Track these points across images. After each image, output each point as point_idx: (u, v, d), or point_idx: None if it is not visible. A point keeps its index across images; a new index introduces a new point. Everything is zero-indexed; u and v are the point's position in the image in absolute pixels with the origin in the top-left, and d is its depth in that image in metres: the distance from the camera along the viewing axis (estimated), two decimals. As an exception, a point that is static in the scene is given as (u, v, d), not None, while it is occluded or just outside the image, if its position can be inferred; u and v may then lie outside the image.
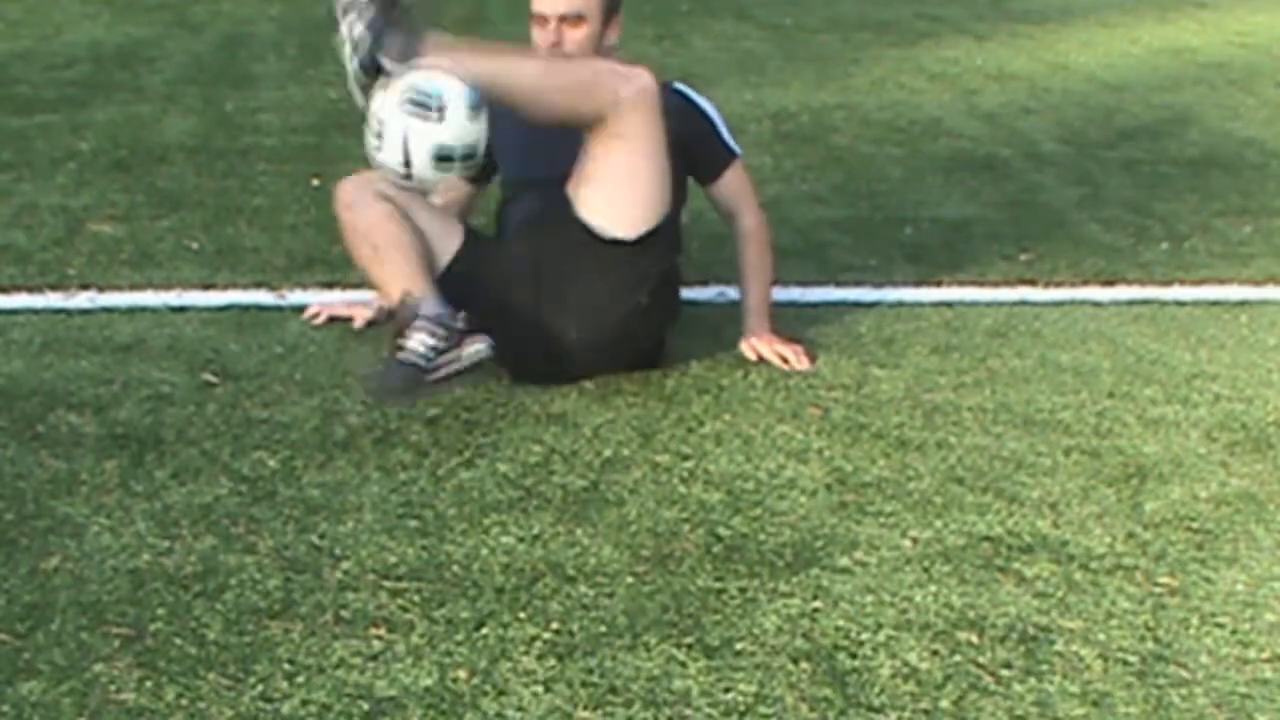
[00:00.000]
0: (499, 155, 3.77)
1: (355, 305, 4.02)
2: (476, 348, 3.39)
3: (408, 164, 3.45)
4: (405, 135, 3.41)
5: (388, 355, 3.39)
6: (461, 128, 3.43)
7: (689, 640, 2.63)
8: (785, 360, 3.79)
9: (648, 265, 3.62)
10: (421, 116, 3.40)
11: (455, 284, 3.54)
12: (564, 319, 3.57)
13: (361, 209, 3.57)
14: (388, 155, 3.46)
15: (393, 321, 3.47)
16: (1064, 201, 5.39)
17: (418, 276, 3.48)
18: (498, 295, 3.58)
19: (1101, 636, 2.69)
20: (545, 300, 3.58)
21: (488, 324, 3.43)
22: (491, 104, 3.47)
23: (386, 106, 3.44)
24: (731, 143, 3.91)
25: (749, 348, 3.84)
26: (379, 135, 3.46)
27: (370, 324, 3.95)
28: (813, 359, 3.81)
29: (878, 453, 3.37)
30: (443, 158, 3.44)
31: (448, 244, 3.63)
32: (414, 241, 3.54)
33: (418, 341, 3.33)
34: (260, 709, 2.41)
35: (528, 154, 3.77)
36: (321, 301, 4.08)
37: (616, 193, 3.56)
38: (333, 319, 3.99)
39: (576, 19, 3.69)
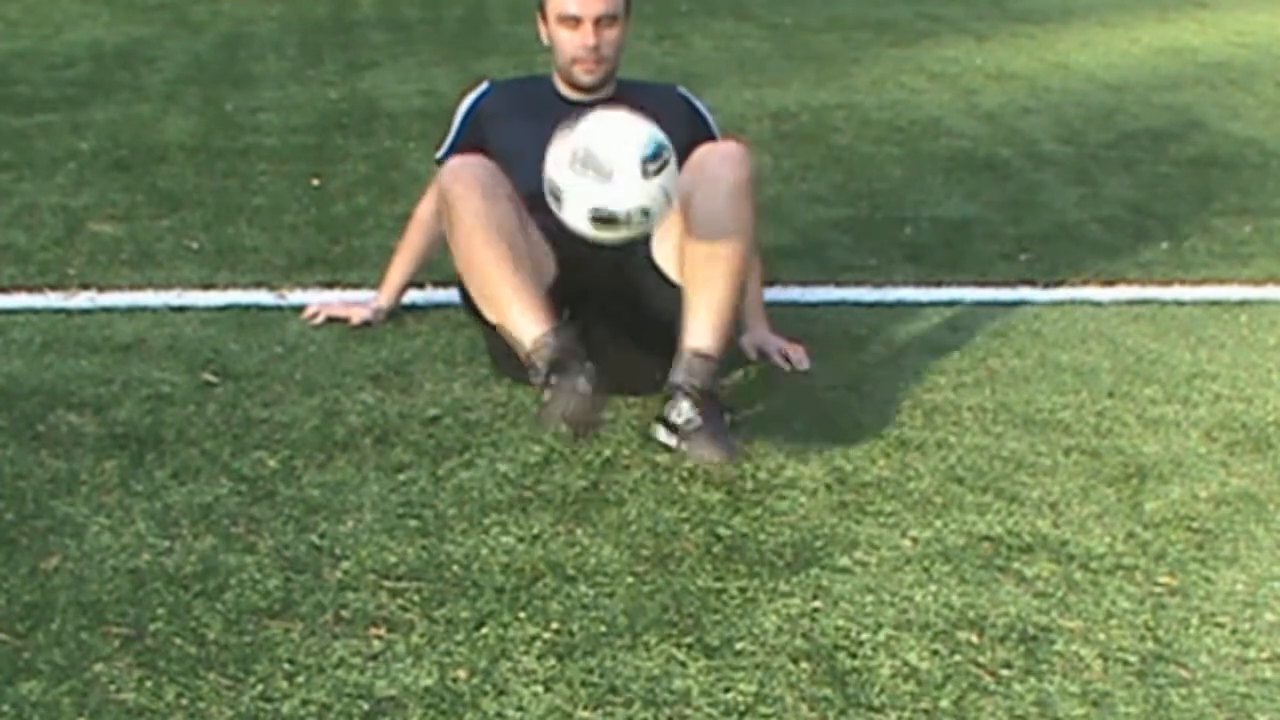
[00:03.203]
0: (516, 165, 3.61)
1: (353, 305, 4.02)
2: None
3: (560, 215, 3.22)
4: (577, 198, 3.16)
5: (551, 386, 3.16)
6: (630, 189, 3.13)
7: (689, 640, 2.63)
8: (785, 359, 3.79)
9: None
10: (584, 175, 3.14)
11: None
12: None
13: (495, 199, 3.34)
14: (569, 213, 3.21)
15: (533, 356, 3.23)
16: (1064, 201, 5.39)
17: (550, 311, 3.26)
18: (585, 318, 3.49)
19: (1101, 636, 2.69)
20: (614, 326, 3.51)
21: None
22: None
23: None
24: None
25: (749, 346, 3.84)
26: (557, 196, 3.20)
27: (366, 324, 3.95)
28: (813, 358, 3.81)
29: (878, 453, 3.37)
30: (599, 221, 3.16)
31: (548, 263, 3.48)
32: (533, 262, 3.35)
33: (582, 375, 3.15)
34: (260, 709, 2.41)
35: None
36: (321, 301, 4.08)
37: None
38: (331, 319, 3.98)
39: (612, 20, 3.66)
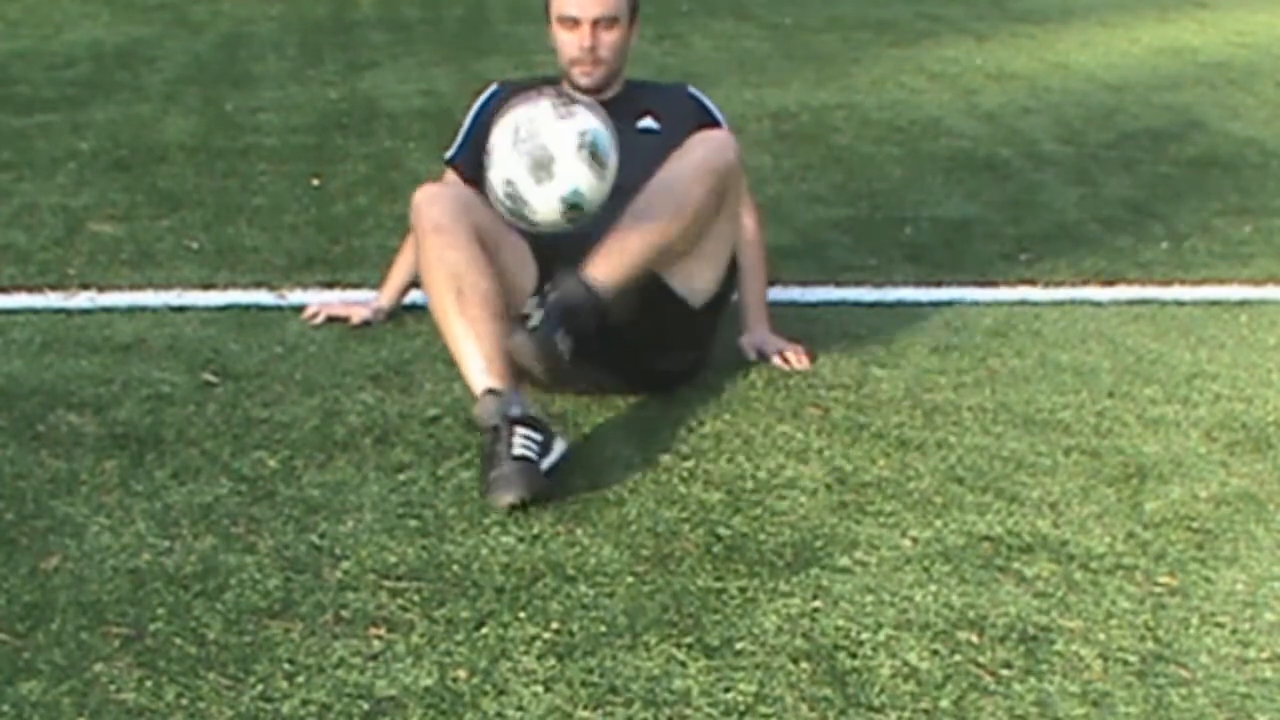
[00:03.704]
0: None
1: (353, 305, 4.02)
2: (560, 447, 3.20)
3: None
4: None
5: (496, 455, 3.09)
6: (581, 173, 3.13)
7: (689, 640, 2.63)
8: (785, 359, 3.79)
9: (703, 333, 3.61)
10: (593, 170, 3.13)
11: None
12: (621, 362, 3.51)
13: (454, 239, 3.34)
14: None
15: (479, 413, 3.20)
16: (1064, 201, 5.39)
17: (499, 362, 3.23)
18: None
19: (1101, 636, 2.69)
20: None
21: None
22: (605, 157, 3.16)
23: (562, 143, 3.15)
24: None
25: (749, 346, 3.84)
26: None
27: (366, 323, 3.95)
28: (813, 358, 3.81)
29: (878, 453, 3.37)
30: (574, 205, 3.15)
31: (526, 277, 3.49)
32: (498, 298, 3.32)
33: (523, 440, 3.11)
34: (260, 709, 2.41)
35: None
36: (321, 301, 4.08)
37: (692, 263, 3.46)
38: (331, 319, 3.98)
39: (611, 22, 3.64)
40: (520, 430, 3.10)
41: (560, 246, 3.42)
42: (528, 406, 3.17)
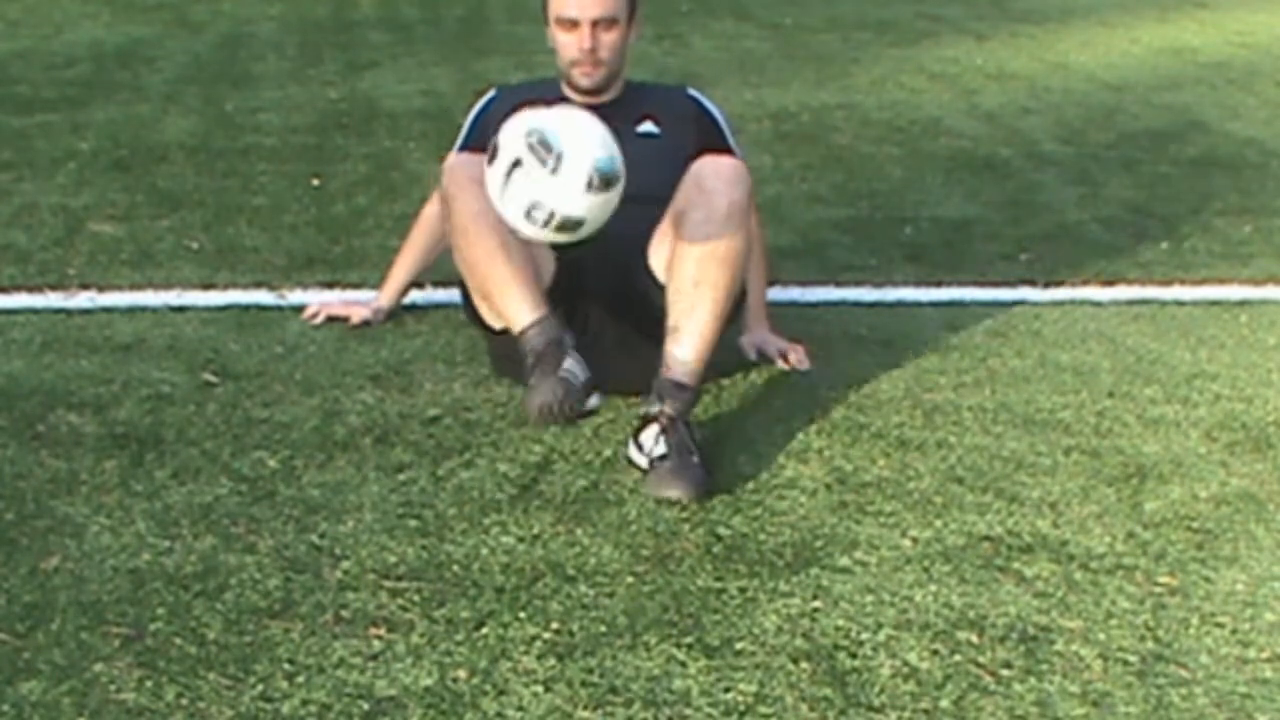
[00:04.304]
0: None
1: (352, 304, 4.02)
2: (596, 398, 3.26)
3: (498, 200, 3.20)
4: (511, 170, 3.13)
5: (542, 368, 3.17)
6: (571, 194, 3.10)
7: (689, 640, 2.63)
8: (786, 359, 3.79)
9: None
10: (539, 160, 3.11)
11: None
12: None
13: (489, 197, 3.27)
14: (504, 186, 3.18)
15: (533, 335, 3.24)
16: (1064, 201, 5.39)
17: (543, 301, 3.27)
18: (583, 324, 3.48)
19: (1101, 636, 2.69)
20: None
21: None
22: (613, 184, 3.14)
23: (509, 134, 3.16)
24: (736, 147, 3.89)
25: (749, 346, 3.84)
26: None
27: (366, 323, 3.95)
28: (813, 359, 3.81)
29: (878, 453, 3.37)
30: (531, 215, 3.14)
31: (545, 265, 3.45)
32: (530, 258, 3.32)
33: (570, 366, 3.18)
34: (260, 709, 2.41)
35: None
36: (321, 301, 4.08)
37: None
38: (331, 319, 3.99)
39: (610, 22, 3.62)
40: (568, 357, 3.18)
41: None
42: (573, 338, 3.24)
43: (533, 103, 3.81)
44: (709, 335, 3.29)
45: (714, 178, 3.33)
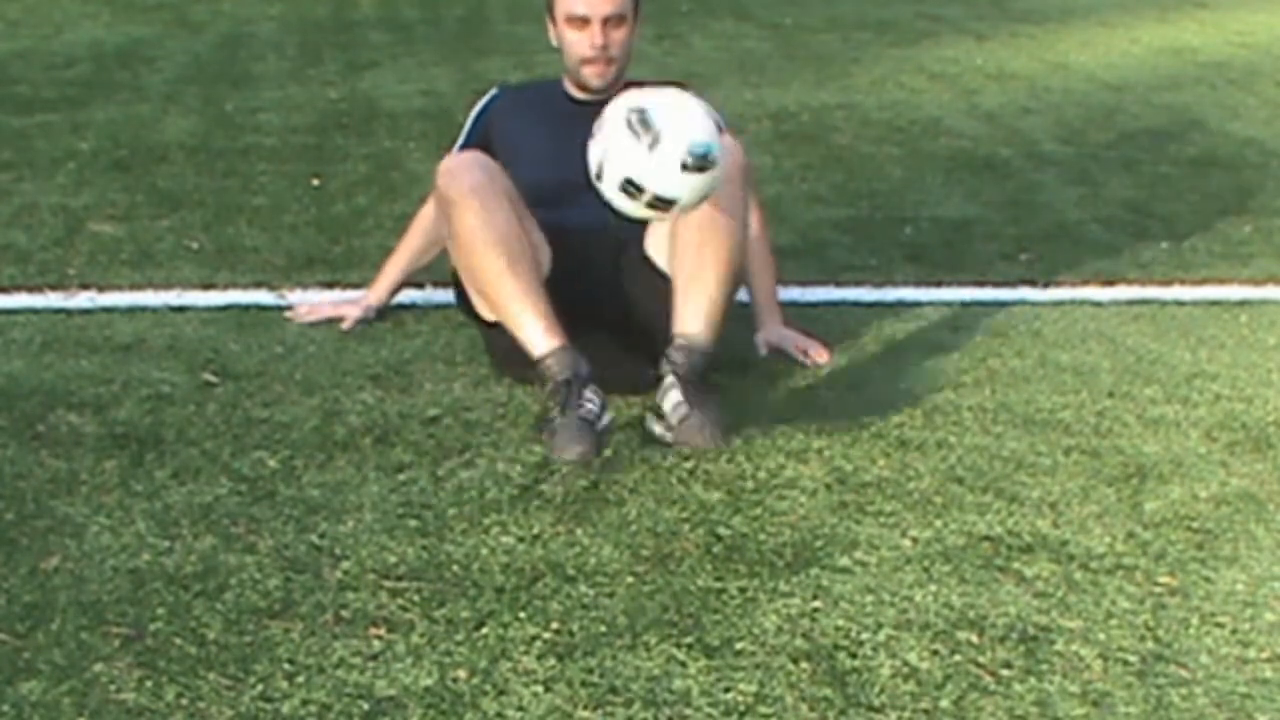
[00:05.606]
0: (519, 160, 3.61)
1: (343, 305, 4.02)
2: (609, 415, 3.28)
3: (598, 176, 3.24)
4: (608, 147, 3.20)
5: (566, 409, 3.20)
6: (666, 173, 3.15)
7: (689, 640, 2.63)
8: (804, 352, 3.79)
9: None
10: (636, 137, 3.16)
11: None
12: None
13: (496, 202, 3.34)
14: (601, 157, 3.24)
15: (550, 366, 3.27)
16: (1064, 201, 5.39)
17: (558, 322, 3.30)
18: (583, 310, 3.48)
19: (1101, 636, 2.69)
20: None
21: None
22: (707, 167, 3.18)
23: (613, 114, 3.22)
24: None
25: (763, 343, 3.83)
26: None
27: (359, 323, 3.95)
28: (832, 351, 3.81)
29: (878, 453, 3.37)
30: (626, 190, 3.19)
31: (544, 254, 3.47)
32: (535, 264, 3.36)
33: (589, 398, 3.22)
34: (260, 709, 2.41)
35: (554, 155, 3.55)
36: (319, 301, 4.08)
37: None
38: (319, 322, 3.97)
39: (620, 20, 3.64)
40: (588, 390, 3.20)
41: (570, 229, 3.46)
42: (590, 368, 3.26)
43: (534, 103, 3.82)
44: (717, 296, 3.34)
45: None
